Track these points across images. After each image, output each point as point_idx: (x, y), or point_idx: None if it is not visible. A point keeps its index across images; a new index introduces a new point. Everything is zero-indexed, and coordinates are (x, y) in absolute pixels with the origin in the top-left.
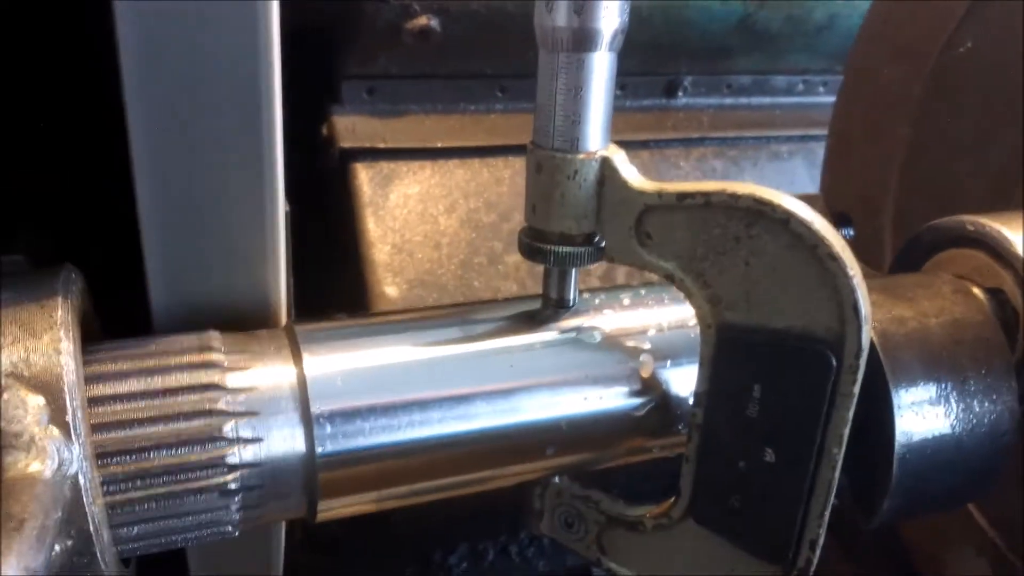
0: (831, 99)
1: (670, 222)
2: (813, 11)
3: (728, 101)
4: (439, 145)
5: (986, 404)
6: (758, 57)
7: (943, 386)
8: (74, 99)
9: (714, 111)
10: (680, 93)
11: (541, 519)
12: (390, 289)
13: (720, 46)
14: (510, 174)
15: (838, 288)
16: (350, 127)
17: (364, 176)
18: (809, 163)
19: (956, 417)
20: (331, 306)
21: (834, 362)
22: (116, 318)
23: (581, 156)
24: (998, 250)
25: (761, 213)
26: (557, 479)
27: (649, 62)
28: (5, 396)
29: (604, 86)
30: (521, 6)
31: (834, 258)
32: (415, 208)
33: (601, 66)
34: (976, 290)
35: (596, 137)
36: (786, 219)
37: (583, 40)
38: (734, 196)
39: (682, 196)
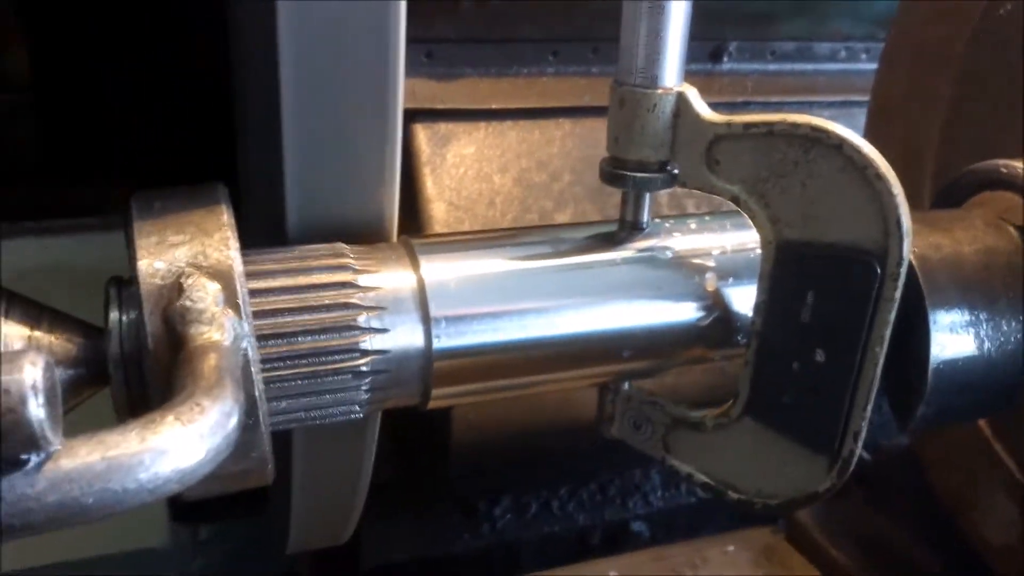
0: (873, 66)
1: (737, 149)
2: None
3: (772, 67)
4: (493, 107)
5: (1013, 324)
6: (802, 23)
7: (975, 306)
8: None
9: (758, 76)
10: (725, 58)
11: (612, 423)
12: None
13: (765, 12)
14: (560, 135)
15: (883, 205)
16: (410, 89)
17: (423, 136)
18: (851, 128)
19: (986, 334)
20: None
21: (879, 270)
22: None
23: (659, 91)
24: None
25: (817, 139)
26: (626, 386)
27: (696, 27)
28: (189, 280)
29: (681, 29)
30: None
31: (881, 178)
32: (471, 167)
33: (679, 12)
34: (1010, 228)
35: (672, 75)
36: (839, 144)
37: None
38: (794, 125)
39: (748, 126)
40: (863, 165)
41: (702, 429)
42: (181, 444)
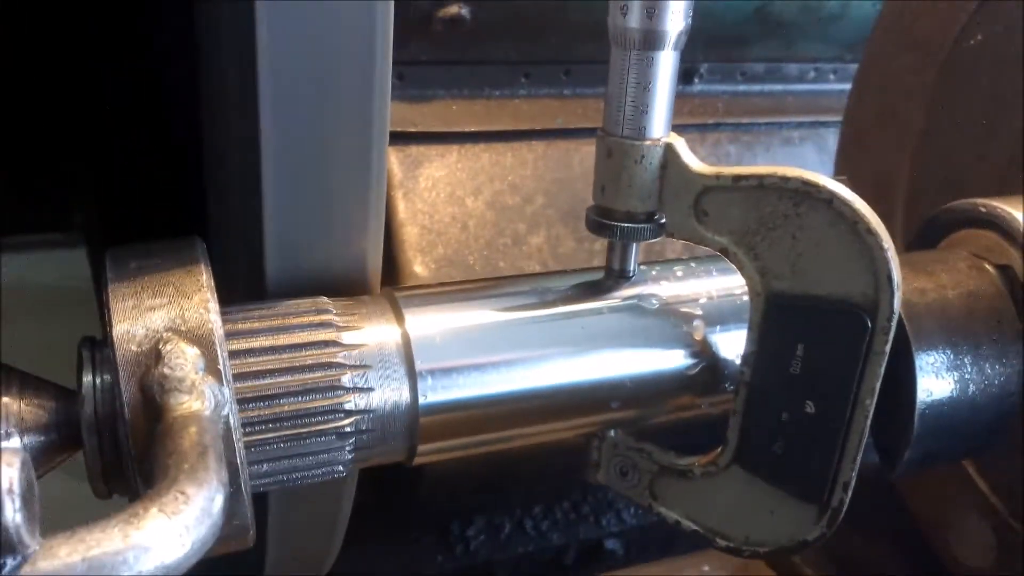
0: (841, 87)
1: (726, 201)
2: (827, 1)
3: (742, 88)
4: (466, 129)
5: (997, 367)
6: (772, 45)
7: (959, 350)
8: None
9: (729, 98)
10: (696, 80)
11: (598, 469)
12: (419, 268)
13: (736, 34)
14: (532, 158)
15: (874, 259)
16: None
17: (395, 159)
18: (819, 148)
19: (970, 378)
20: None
21: (869, 324)
22: None
23: (647, 142)
24: (1007, 230)
25: (808, 193)
26: (612, 433)
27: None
28: (168, 347)
29: (668, 80)
30: None
31: (872, 232)
32: (443, 190)
33: (667, 63)
34: (988, 267)
35: (660, 125)
36: (830, 199)
37: (652, 40)
38: (784, 178)
39: (737, 178)
40: (853, 220)
41: (690, 477)
42: (165, 539)
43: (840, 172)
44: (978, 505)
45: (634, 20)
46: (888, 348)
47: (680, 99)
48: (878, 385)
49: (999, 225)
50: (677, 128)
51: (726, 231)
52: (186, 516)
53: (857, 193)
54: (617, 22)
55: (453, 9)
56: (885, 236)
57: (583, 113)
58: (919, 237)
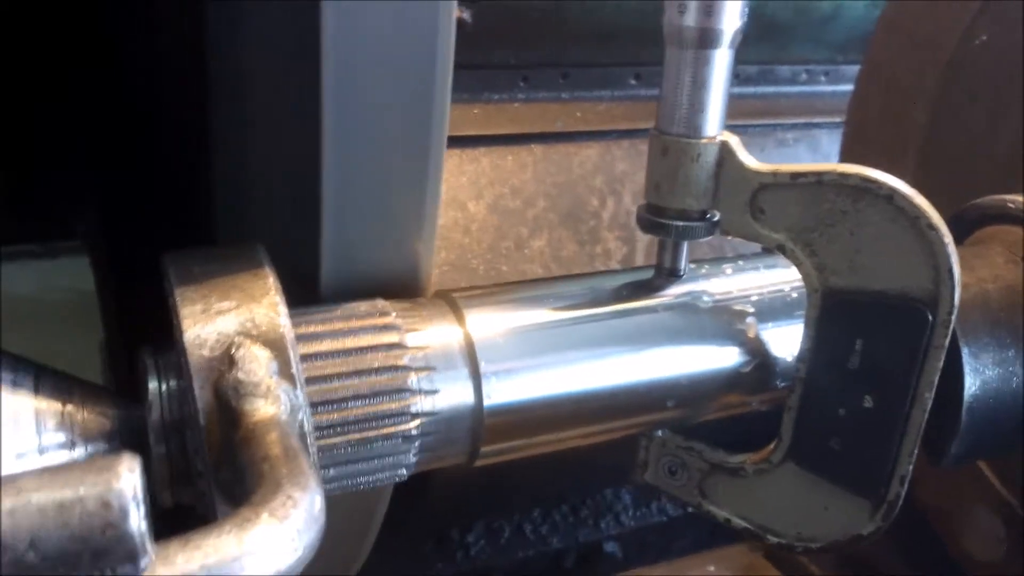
0: (833, 88)
1: (783, 199)
2: (820, 2)
3: (735, 90)
4: (466, 134)
5: None
6: (765, 47)
7: (1004, 343)
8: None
9: None
10: None
11: (646, 469)
12: None
13: None
14: (532, 161)
15: (935, 254)
16: None
17: None
18: (812, 150)
19: (1014, 371)
20: None
21: (930, 318)
22: None
23: (703, 140)
24: None
25: (867, 190)
26: (660, 432)
27: (661, 51)
28: (240, 351)
29: (724, 79)
30: None
31: (933, 228)
32: (445, 194)
33: (722, 61)
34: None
35: (715, 123)
36: (890, 195)
37: (709, 39)
38: (843, 175)
39: (796, 175)
40: (915, 215)
41: (741, 475)
42: (279, 543)
43: None
44: (988, 498)
45: (691, 19)
46: (947, 342)
47: None
48: (936, 378)
49: None
50: None
51: (783, 228)
52: (296, 519)
53: None
54: (674, 21)
55: (455, 13)
56: (946, 232)
57: (582, 116)
58: None
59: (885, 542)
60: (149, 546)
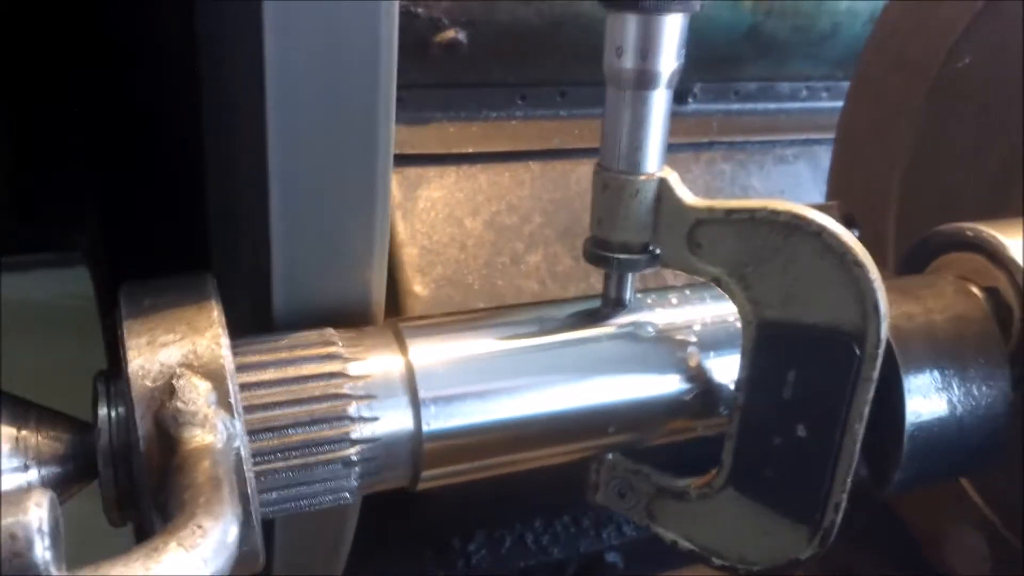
0: (833, 104)
1: (719, 233)
2: (818, 21)
3: (735, 107)
4: (463, 151)
5: (984, 389)
6: (764, 64)
7: (947, 373)
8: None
9: (722, 116)
10: (690, 99)
11: (597, 491)
12: (419, 288)
13: (729, 54)
14: (530, 178)
15: (862, 290)
16: None
17: (394, 181)
18: (812, 166)
19: (958, 400)
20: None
21: (857, 351)
22: None
23: (642, 177)
24: (993, 253)
25: (798, 227)
26: (611, 456)
27: None
28: (181, 382)
29: (662, 117)
30: (543, 18)
31: (859, 264)
32: (441, 211)
33: (660, 101)
34: (975, 289)
35: (655, 160)
36: (819, 232)
37: (646, 80)
38: (775, 212)
39: (730, 212)
40: (842, 251)
41: (686, 499)
42: (185, 571)
43: (832, 190)
44: (972, 517)
45: (629, 62)
46: (876, 375)
47: (674, 119)
48: (867, 410)
49: (985, 248)
50: (671, 148)
51: (719, 262)
52: (203, 549)
53: (848, 213)
54: (612, 64)
55: (450, 33)
56: (872, 267)
57: (579, 134)
58: (908, 260)
59: (874, 557)
60: (55, 572)
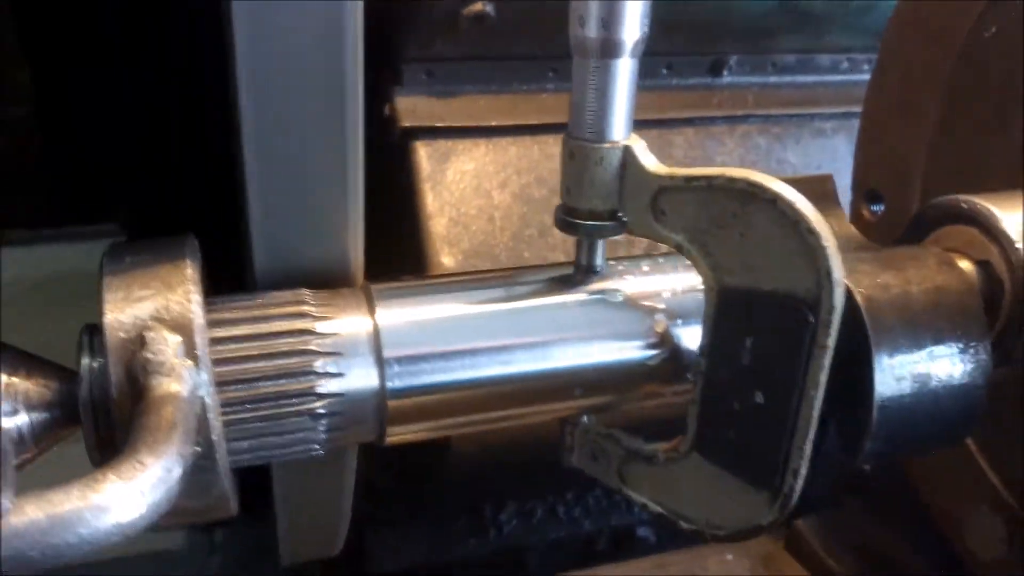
0: None
1: (680, 201)
2: None
3: (773, 80)
4: (493, 124)
5: (961, 362)
6: (802, 36)
7: (921, 344)
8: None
9: (759, 89)
10: (725, 72)
11: (572, 453)
12: (447, 259)
13: (764, 26)
14: (559, 151)
15: (815, 257)
16: (411, 107)
17: (423, 153)
18: (851, 140)
19: (932, 372)
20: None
21: (811, 318)
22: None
23: (607, 145)
24: (987, 226)
25: (753, 194)
26: (585, 419)
27: (694, 42)
28: (152, 334)
29: (627, 86)
30: None
31: (812, 232)
32: (470, 183)
33: (624, 70)
34: (965, 262)
35: (620, 129)
36: (773, 199)
37: (610, 49)
38: (731, 179)
39: (689, 179)
40: (795, 219)
41: (654, 462)
42: (121, 501)
43: (859, 162)
44: (990, 499)
45: (592, 31)
46: (831, 342)
47: (708, 91)
48: (823, 377)
49: (979, 221)
50: (706, 121)
51: (681, 229)
52: (141, 482)
53: (874, 187)
54: (576, 32)
55: (478, 6)
56: (826, 234)
57: None
58: (907, 232)
59: (900, 536)
60: (5, 500)
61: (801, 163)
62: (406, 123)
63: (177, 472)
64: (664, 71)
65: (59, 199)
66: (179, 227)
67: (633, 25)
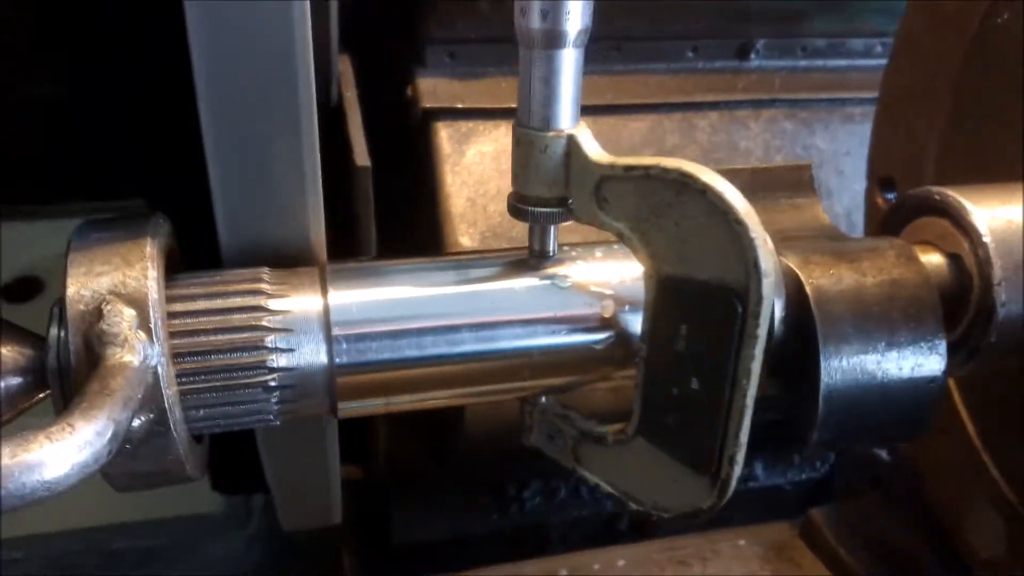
0: None
1: (621, 189)
2: None
3: (802, 64)
4: (513, 105)
5: (913, 355)
6: (832, 20)
7: (871, 336)
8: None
9: (787, 73)
10: (753, 55)
11: (531, 433)
12: (464, 239)
13: (792, 9)
14: None
15: (743, 248)
16: (432, 88)
17: (444, 134)
18: None
19: (882, 366)
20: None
21: (739, 308)
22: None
23: (551, 134)
24: (957, 219)
25: (685, 184)
26: (543, 399)
27: (721, 24)
28: (108, 307)
29: (572, 76)
30: None
31: (740, 223)
32: (489, 164)
33: (568, 60)
34: (935, 255)
35: (566, 117)
36: (703, 190)
37: (552, 39)
38: (665, 170)
39: (628, 168)
40: (724, 210)
41: (605, 444)
42: (48, 460)
43: (873, 150)
44: (992, 495)
45: (535, 21)
46: (761, 332)
47: (734, 75)
48: (755, 366)
49: (950, 213)
50: (731, 105)
51: (623, 217)
52: (68, 444)
53: (888, 175)
54: (520, 23)
55: None
56: (754, 226)
57: (633, 89)
58: (884, 223)
59: (913, 530)
60: None
61: (829, 149)
62: (427, 104)
63: (107, 436)
64: (690, 54)
65: (87, 175)
66: (205, 204)
67: (575, 16)
